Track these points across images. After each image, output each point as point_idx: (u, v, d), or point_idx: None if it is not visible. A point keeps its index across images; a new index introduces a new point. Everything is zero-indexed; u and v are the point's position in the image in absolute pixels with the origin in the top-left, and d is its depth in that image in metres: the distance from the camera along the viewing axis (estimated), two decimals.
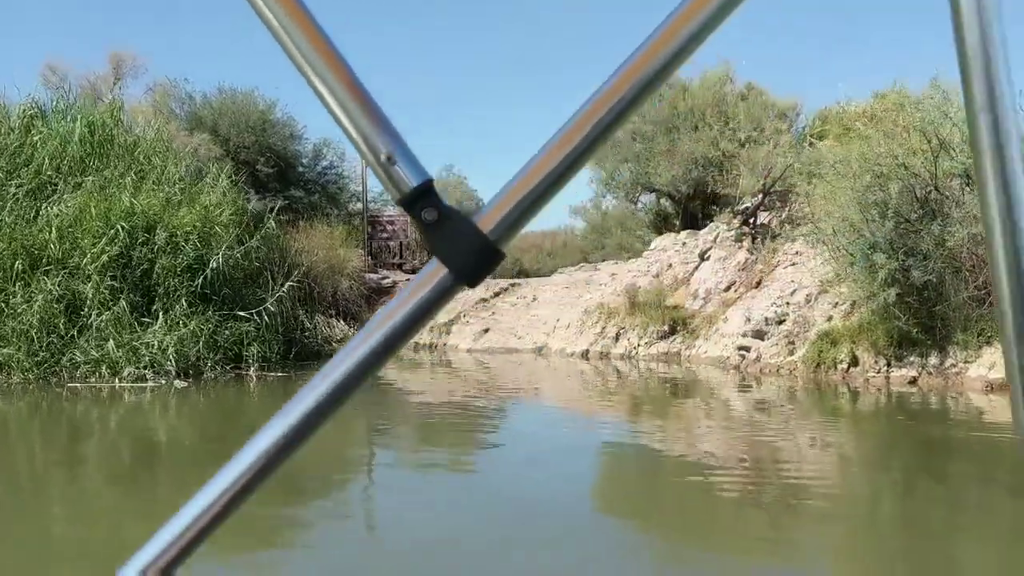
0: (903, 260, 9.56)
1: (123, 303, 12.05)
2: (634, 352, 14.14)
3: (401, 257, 27.68)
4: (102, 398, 10.54)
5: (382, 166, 0.53)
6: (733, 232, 14.47)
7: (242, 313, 13.58)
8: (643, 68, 0.53)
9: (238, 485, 0.53)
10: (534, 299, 18.17)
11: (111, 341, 11.42)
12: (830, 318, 11.24)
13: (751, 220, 14.40)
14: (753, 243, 14.22)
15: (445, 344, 17.61)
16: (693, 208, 23.85)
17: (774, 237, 13.91)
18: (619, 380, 12.41)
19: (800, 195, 14.59)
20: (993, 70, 0.52)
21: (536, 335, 16.53)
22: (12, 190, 13.61)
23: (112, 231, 12.89)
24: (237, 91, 25.49)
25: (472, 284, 0.53)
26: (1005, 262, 0.53)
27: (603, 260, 20.69)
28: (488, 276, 0.55)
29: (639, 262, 17.05)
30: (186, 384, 11.15)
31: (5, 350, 11.58)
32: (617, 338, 14.62)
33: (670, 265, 15.62)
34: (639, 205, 26.43)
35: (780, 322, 11.75)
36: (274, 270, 15.32)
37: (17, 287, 11.82)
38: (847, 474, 6.76)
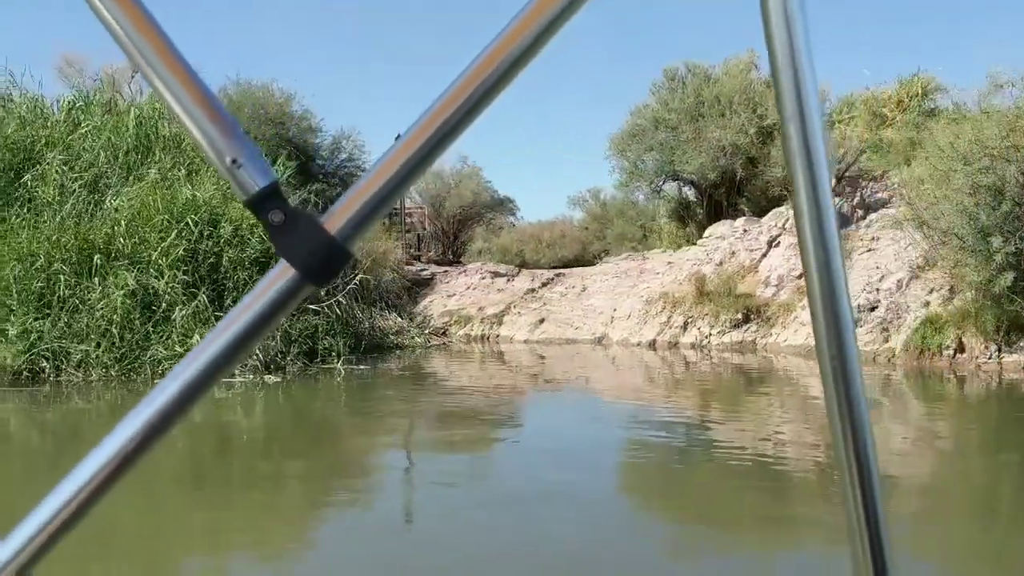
0: (1019, 244, 9.39)
1: (203, 297, 11.76)
2: (705, 341, 13.95)
3: (419, 249, 27.51)
4: None
5: (228, 169, 0.53)
6: None
7: (313, 307, 13.32)
8: (486, 71, 0.54)
9: (94, 483, 0.53)
10: (583, 289, 17.95)
11: (196, 336, 11.13)
12: (927, 304, 11.07)
13: None
14: None
15: (498, 336, 17.37)
16: (717, 196, 23.73)
17: (858, 220, 13.74)
18: (706, 371, 12.21)
19: (869, 180, 14.44)
20: (801, 80, 0.56)
21: (593, 325, 16.32)
22: (71, 184, 13.27)
23: (181, 225, 12.59)
24: (253, 83, 25.12)
25: (320, 284, 0.54)
26: (815, 260, 0.56)
27: (649, 249, 20.47)
28: (337, 276, 0.55)
29: (695, 250, 16.86)
30: (278, 379, 10.88)
31: (81, 346, 11.27)
32: (685, 327, 14.42)
33: (733, 253, 15.42)
34: (656, 194, 26.26)
35: (872, 309, 11.58)
36: None
37: (95, 281, 11.50)
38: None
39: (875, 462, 0.60)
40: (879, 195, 14.04)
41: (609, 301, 16.76)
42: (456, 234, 31.81)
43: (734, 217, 24.41)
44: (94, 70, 25.72)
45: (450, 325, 17.88)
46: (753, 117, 21.89)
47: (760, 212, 23.37)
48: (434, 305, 18.74)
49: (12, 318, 11.34)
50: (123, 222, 12.47)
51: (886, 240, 13.26)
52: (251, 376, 11.01)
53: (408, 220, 27.63)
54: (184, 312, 11.47)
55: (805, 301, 11.25)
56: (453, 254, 29.96)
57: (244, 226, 13.41)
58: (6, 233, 12.55)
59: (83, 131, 15.17)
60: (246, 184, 0.53)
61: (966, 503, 5.40)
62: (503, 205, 41.65)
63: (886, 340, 11.24)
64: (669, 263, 16.76)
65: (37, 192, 13.63)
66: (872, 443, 0.59)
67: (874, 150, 20.66)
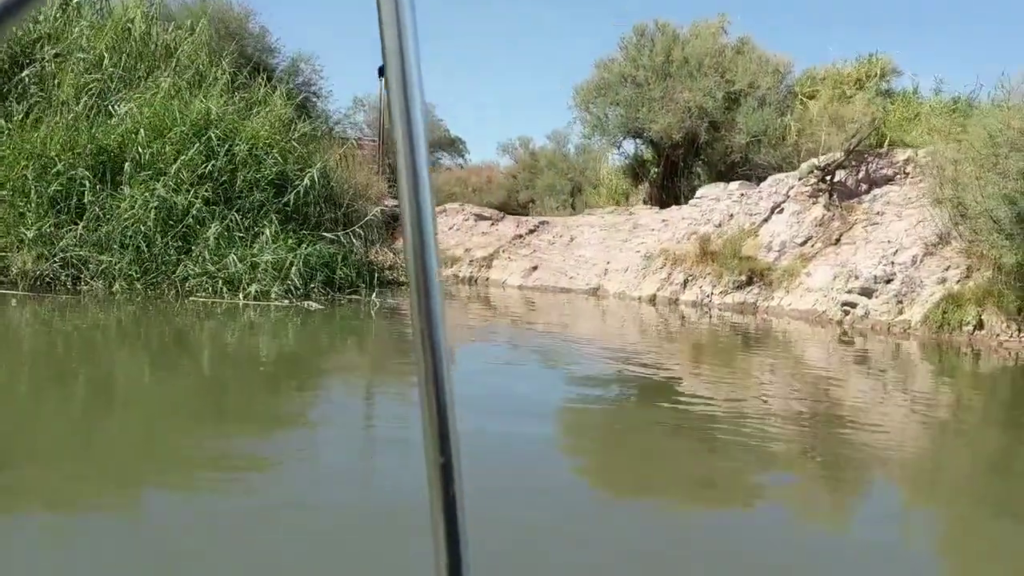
0: None
1: (235, 216, 11.40)
2: (707, 300, 14.28)
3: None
4: (248, 316, 10.00)
5: None
6: (809, 187, 14.65)
7: (329, 235, 13.06)
8: None
9: None
10: (571, 239, 18.06)
11: (232, 256, 10.80)
12: (943, 281, 11.57)
13: (828, 177, 14.60)
14: (830, 199, 14.44)
15: (487, 279, 17.38)
16: (674, 157, 24.11)
17: (862, 193, 14.19)
18: (704, 326, 12.49)
19: (875, 156, 14.89)
20: (408, 80, 0.60)
21: (587, 276, 16.48)
22: (86, 82, 12.59)
23: (203, 139, 12.12)
24: None
25: None
26: (414, 256, 0.62)
27: (635, 205, 20.65)
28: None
29: (687, 210, 17.11)
30: (322, 307, 10.67)
31: (104, 257, 10.81)
32: (685, 285, 14.72)
33: (731, 216, 15.73)
34: (616, 149, 26.47)
35: (888, 281, 12.04)
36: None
37: (122, 191, 11.00)
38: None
39: (458, 448, 0.63)
40: (884, 171, 14.51)
41: (601, 253, 16.92)
42: None
43: (689, 178, 24.87)
44: None
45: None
46: (722, 82, 22.18)
47: (717, 176, 23.85)
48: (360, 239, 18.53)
49: (26, 222, 10.79)
50: (141, 130, 11.92)
51: (890, 215, 13.75)
52: (286, 301, 10.78)
53: (361, 152, 27.16)
54: (217, 229, 11.10)
55: (809, 268, 11.59)
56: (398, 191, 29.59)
57: (260, 145, 13.01)
58: (11, 131, 11.88)
59: (80, 29, 14.37)
60: None
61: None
62: (453, 146, 41.36)
63: (900, 312, 11.73)
64: (664, 221, 16.99)
65: (37, 89, 12.91)
66: (455, 427, 0.63)
67: (838, 126, 21.30)
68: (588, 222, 18.85)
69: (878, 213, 13.91)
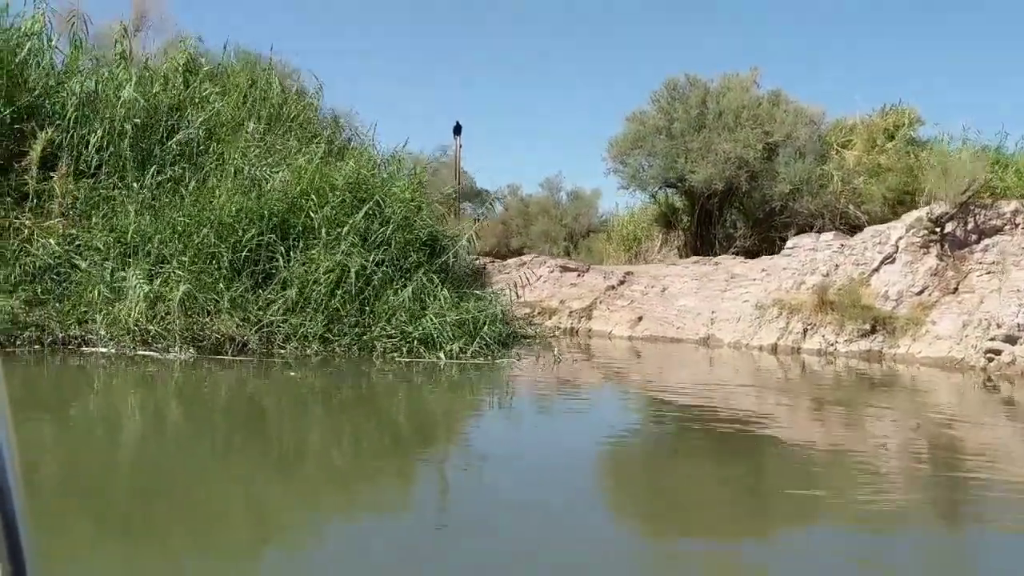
0: None
1: (421, 277, 11.68)
2: (831, 348, 14.72)
3: None
4: (441, 375, 10.24)
5: None
6: (919, 238, 15.24)
7: (478, 292, 13.37)
8: None
9: None
10: (664, 289, 18.47)
11: (430, 315, 11.07)
12: None
13: (939, 228, 15.20)
14: (942, 249, 15.02)
15: (589, 330, 17.74)
16: (708, 206, 24.76)
17: (972, 244, 14.79)
18: (871, 379, 12.91)
19: (981, 207, 15.54)
20: None
21: (693, 326, 16.88)
22: (248, 147, 12.87)
23: (370, 203, 12.44)
24: (251, 52, 24.43)
25: None
26: None
27: (717, 256, 21.12)
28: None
29: (782, 259, 17.58)
30: (519, 362, 10.95)
31: (296, 320, 11.01)
32: (805, 334, 15.16)
33: (836, 265, 16.25)
34: (652, 199, 27.07)
35: None
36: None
37: (320, 253, 11.24)
38: None
39: (11, 464, 0.54)
40: (993, 222, 15.14)
41: (702, 303, 17.34)
42: None
43: (724, 226, 25.50)
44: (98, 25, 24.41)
45: (532, 316, 18.09)
46: (760, 133, 22.89)
47: (755, 224, 24.53)
48: (506, 295, 18.85)
49: (217, 287, 10.98)
50: (313, 195, 12.21)
51: (1007, 264, 14.34)
52: (480, 360, 11.03)
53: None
54: (407, 292, 11.37)
55: (933, 315, 12.10)
56: None
57: (411, 208, 13.35)
58: (184, 198, 12.10)
59: (212, 94, 14.68)
60: None
61: None
62: (479, 196, 41.91)
63: None
64: (763, 270, 17.47)
65: (178, 155, 13.17)
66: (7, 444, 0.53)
67: (871, 175, 22.08)
68: (675, 272, 19.29)
69: (993, 263, 14.50)
